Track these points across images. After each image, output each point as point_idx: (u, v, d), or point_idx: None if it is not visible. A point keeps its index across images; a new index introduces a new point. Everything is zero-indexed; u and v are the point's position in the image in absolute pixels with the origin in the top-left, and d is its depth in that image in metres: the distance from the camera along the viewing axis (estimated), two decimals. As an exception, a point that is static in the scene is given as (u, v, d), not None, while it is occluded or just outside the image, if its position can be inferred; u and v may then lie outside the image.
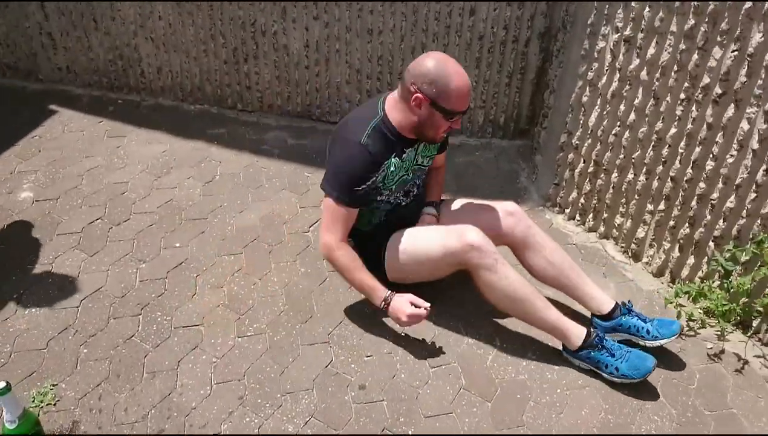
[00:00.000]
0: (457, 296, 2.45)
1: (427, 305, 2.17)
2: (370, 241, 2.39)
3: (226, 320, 2.35)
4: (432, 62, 2.06)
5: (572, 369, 2.23)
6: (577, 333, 2.18)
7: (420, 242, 2.27)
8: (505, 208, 2.41)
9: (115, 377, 2.12)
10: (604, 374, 2.18)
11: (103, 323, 2.32)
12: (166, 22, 3.60)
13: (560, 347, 2.27)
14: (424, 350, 2.28)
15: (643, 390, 2.15)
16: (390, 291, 2.20)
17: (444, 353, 2.27)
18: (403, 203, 2.39)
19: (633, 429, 2.04)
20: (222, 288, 2.49)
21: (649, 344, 2.24)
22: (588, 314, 2.38)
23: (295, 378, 2.14)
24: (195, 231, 2.79)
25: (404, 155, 2.24)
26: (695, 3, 2.21)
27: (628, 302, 2.32)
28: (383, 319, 2.37)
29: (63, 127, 3.55)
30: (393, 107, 2.19)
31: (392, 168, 2.22)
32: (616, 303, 2.31)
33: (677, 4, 2.27)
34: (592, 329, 2.20)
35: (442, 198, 2.57)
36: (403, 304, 2.17)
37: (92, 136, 3.49)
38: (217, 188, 3.09)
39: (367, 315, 2.39)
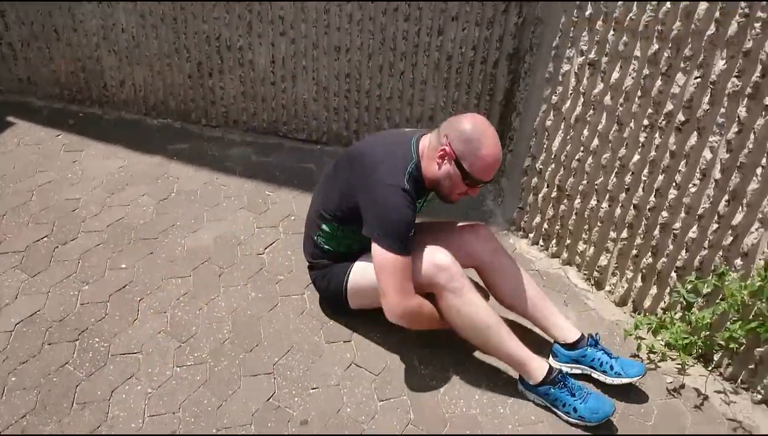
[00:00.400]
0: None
1: None
2: (342, 262, 2.30)
3: (166, 348, 2.24)
4: (472, 123, 2.01)
5: (526, 404, 2.14)
6: (539, 367, 2.10)
7: None
8: (475, 229, 2.35)
9: (42, 408, 2.00)
10: (559, 413, 2.09)
11: (37, 349, 2.20)
12: (129, 34, 3.51)
13: (516, 378, 2.18)
14: (374, 382, 2.18)
15: (598, 426, 2.05)
16: None
17: (394, 385, 2.17)
18: None
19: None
20: (165, 313, 2.38)
21: (609, 380, 2.16)
22: (551, 340, 2.30)
23: (233, 412, 2.03)
24: (143, 252, 2.68)
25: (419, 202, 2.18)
26: (659, 27, 2.16)
27: (596, 334, 2.24)
28: (333, 348, 2.28)
29: (18, 140, 3.45)
30: (423, 153, 2.11)
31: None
32: (582, 334, 2.23)
33: (641, 28, 2.21)
34: (554, 366, 2.12)
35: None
36: None
37: (48, 150, 3.38)
38: (171, 206, 2.99)
39: (317, 344, 2.29)
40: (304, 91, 3.45)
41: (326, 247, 2.28)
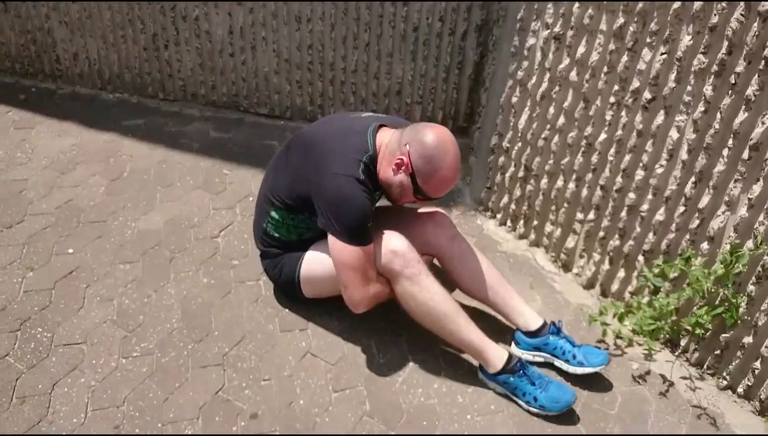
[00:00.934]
0: (371, 310, 2.27)
1: None
2: (293, 251, 2.20)
3: (112, 338, 2.14)
4: (436, 141, 1.92)
5: (486, 392, 2.08)
6: (498, 356, 2.03)
7: None
8: (433, 216, 2.26)
9: (-23, 404, 1.91)
10: (520, 402, 2.03)
11: (-26, 340, 2.10)
12: (80, 5, 3.33)
13: (476, 365, 2.12)
14: (329, 372, 2.10)
15: (560, 416, 2.00)
16: None
17: (350, 375, 2.10)
18: None
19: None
20: (112, 301, 2.28)
21: (572, 370, 2.10)
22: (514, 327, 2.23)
23: (180, 406, 1.95)
24: (92, 235, 2.56)
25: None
26: (624, 1, 2.05)
27: (559, 321, 2.18)
28: (288, 337, 2.19)
29: (-37, 117, 3.29)
30: (381, 151, 2.01)
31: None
32: (545, 321, 2.17)
33: (606, 1, 2.10)
34: (513, 354, 2.06)
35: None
36: None
37: (-4, 127, 3.23)
38: (123, 187, 2.86)
39: (271, 333, 2.20)
40: (264, 63, 3.31)
41: (276, 234, 2.17)
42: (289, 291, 2.26)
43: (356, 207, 1.92)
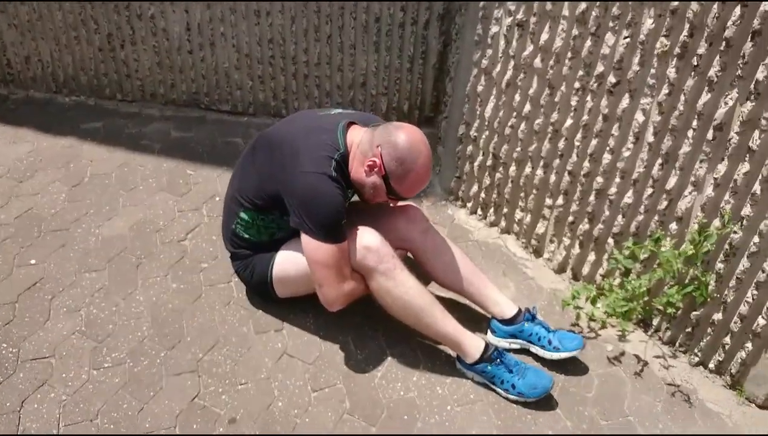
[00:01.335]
0: (347, 307, 2.24)
1: None
2: (263, 251, 2.17)
3: (81, 350, 2.08)
4: (408, 142, 1.91)
5: (465, 382, 2.08)
6: (475, 345, 2.04)
7: None
8: (405, 210, 2.25)
9: (-59, 427, 1.84)
10: (498, 390, 2.04)
11: (-65, 361, 2.02)
12: (29, 6, 3.22)
13: (454, 356, 2.12)
14: (307, 372, 2.08)
15: (538, 402, 2.01)
16: None
17: (329, 373, 2.08)
18: None
19: (527, 448, 1.91)
20: (79, 312, 2.21)
21: (548, 355, 2.12)
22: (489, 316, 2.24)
23: (156, 415, 1.90)
24: (55, 244, 2.48)
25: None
26: (586, -16, 2.05)
27: (533, 308, 2.19)
28: (263, 338, 2.16)
29: None
30: (353, 151, 1.98)
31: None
32: (519, 308, 2.18)
33: (568, -14, 2.10)
34: (490, 343, 2.06)
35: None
36: None
37: (-55, 136, 3.11)
38: (84, 193, 2.77)
39: (245, 335, 2.17)
40: (224, 59, 3.24)
41: (246, 235, 2.13)
42: (262, 292, 2.22)
43: (329, 204, 1.90)
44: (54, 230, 2.56)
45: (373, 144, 1.93)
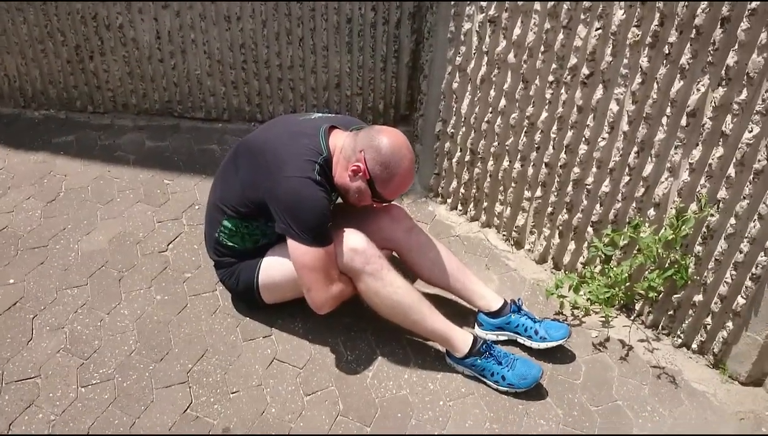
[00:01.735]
0: (337, 308, 2.23)
1: None
2: (248, 258, 2.16)
3: (67, 368, 2.05)
4: (391, 146, 1.92)
5: (456, 376, 2.10)
6: (464, 340, 2.06)
7: None
8: (388, 210, 2.25)
9: (-72, 455, 1.81)
10: (489, 383, 2.06)
11: None
12: (-9, 19, 3.16)
13: (443, 352, 2.14)
14: (298, 376, 2.07)
15: (528, 392, 2.04)
16: None
17: (320, 376, 2.08)
18: None
19: (520, 438, 1.93)
20: (63, 329, 2.18)
21: (535, 345, 2.15)
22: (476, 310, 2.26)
23: (148, 429, 1.88)
24: (33, 262, 2.44)
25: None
26: (555, -22, 2.08)
27: (519, 299, 2.22)
28: (252, 345, 2.15)
29: None
30: (336, 155, 1.99)
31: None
32: (505, 300, 2.20)
33: (538, -20, 2.13)
34: (478, 336, 2.08)
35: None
36: None
37: None
38: (60, 208, 2.73)
39: (234, 343, 2.16)
40: (196, 66, 3.21)
41: (230, 243, 2.12)
42: (248, 299, 2.21)
43: (314, 208, 1.90)
44: (31, 248, 2.52)
45: (356, 149, 1.94)
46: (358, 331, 2.23)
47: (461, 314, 2.27)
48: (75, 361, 2.08)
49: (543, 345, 2.14)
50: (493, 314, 2.19)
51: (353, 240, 1.99)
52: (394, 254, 2.30)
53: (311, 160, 1.93)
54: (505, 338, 2.20)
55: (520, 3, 2.21)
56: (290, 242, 1.93)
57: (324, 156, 1.96)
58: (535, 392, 2.04)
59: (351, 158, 1.95)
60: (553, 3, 2.11)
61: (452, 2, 2.42)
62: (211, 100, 3.32)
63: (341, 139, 2.00)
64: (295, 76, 3.20)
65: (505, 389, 2.04)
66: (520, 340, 2.18)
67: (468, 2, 2.37)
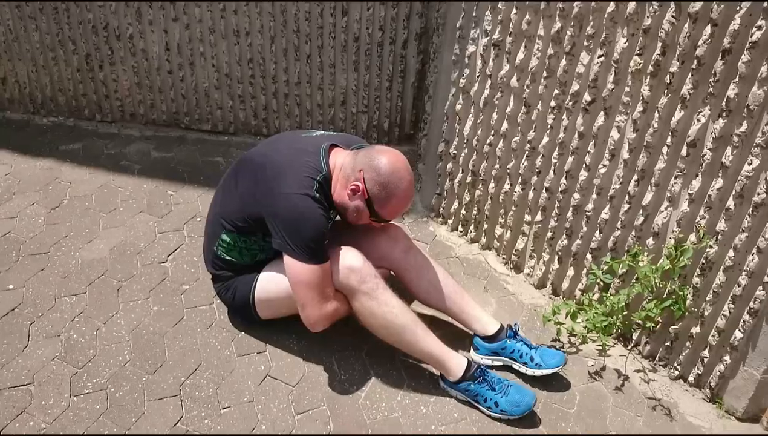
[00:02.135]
0: (331, 327, 2.22)
1: None
2: (245, 273, 2.17)
3: (61, 377, 2.05)
4: (390, 167, 1.94)
5: (449, 401, 2.08)
6: (458, 363, 2.04)
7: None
8: (386, 229, 2.25)
9: None
10: (482, 408, 2.04)
11: None
12: (5, 27, 3.20)
13: (437, 375, 2.12)
14: (290, 394, 2.07)
15: (521, 419, 2.02)
16: None
17: (312, 395, 2.07)
18: None
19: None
20: (59, 337, 2.19)
21: (530, 372, 2.13)
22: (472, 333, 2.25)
23: (138, 442, 1.89)
24: (34, 269, 2.46)
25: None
26: (560, 5, 2.08)
27: (515, 324, 2.20)
28: (246, 361, 2.15)
29: None
30: (335, 174, 2.00)
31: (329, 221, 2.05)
32: (502, 325, 2.19)
33: (543, 5, 2.13)
34: (472, 361, 2.07)
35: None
36: None
37: None
38: (63, 215, 2.75)
39: (228, 358, 2.16)
40: (204, 78, 3.24)
41: (227, 257, 2.13)
42: (244, 314, 2.22)
43: (312, 226, 1.91)
44: (32, 254, 2.53)
45: (355, 168, 1.95)
46: (353, 350, 2.22)
47: (457, 336, 2.26)
48: (69, 369, 2.08)
49: (538, 373, 2.12)
50: (489, 339, 2.18)
51: (349, 258, 1.99)
52: (392, 273, 2.29)
53: (310, 177, 1.93)
54: (501, 363, 2.19)
55: (524, 28, 2.22)
56: (287, 259, 1.94)
57: (323, 174, 1.96)
58: (528, 419, 2.02)
59: (350, 177, 1.96)
60: (556, 28, 2.12)
61: (457, 24, 2.44)
62: (218, 113, 3.35)
63: (341, 157, 2.01)
64: (301, 92, 3.22)
65: (498, 415, 2.02)
66: (515, 366, 2.16)
67: (473, 25, 2.38)
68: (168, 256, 2.57)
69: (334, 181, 2.00)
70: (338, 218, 2.14)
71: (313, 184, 1.93)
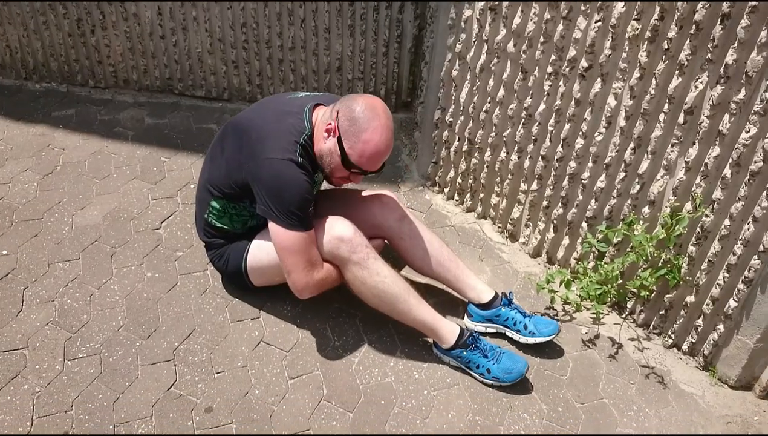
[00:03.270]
0: (323, 294, 2.22)
1: None
2: (237, 240, 2.16)
3: (55, 341, 2.06)
4: (364, 105, 1.86)
5: (441, 367, 2.10)
6: (450, 331, 2.05)
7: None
8: (380, 198, 2.23)
9: None
10: (474, 375, 2.05)
11: None
12: (-5, -11, 3.15)
13: (431, 341, 2.13)
14: (284, 359, 2.08)
15: (514, 385, 2.03)
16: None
17: (306, 360, 2.08)
18: None
19: (502, 430, 1.92)
20: (53, 302, 2.19)
21: (523, 339, 2.14)
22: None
23: (131, 405, 1.89)
24: (27, 234, 2.45)
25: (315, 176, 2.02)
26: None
27: (510, 293, 2.21)
28: (240, 326, 2.16)
29: None
30: (317, 127, 1.95)
31: (314, 186, 2.01)
32: (496, 293, 2.19)
33: (541, -31, 2.09)
34: (465, 328, 2.08)
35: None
36: None
37: None
38: (56, 181, 2.74)
39: (222, 324, 2.16)
40: (197, 43, 3.20)
41: (218, 224, 2.12)
42: (237, 281, 2.21)
43: (295, 191, 1.89)
44: (26, 220, 2.52)
45: (333, 112, 1.91)
46: (346, 317, 2.23)
47: (452, 303, 2.27)
48: (63, 334, 2.09)
49: (531, 340, 2.13)
50: (483, 306, 2.18)
51: (339, 228, 1.98)
52: (386, 242, 2.28)
53: (294, 140, 1.91)
54: (494, 330, 2.19)
55: (522, -8, 2.18)
56: (270, 225, 1.92)
57: (307, 133, 1.93)
58: (520, 385, 2.04)
59: (327, 121, 1.92)
60: (555, -7, 2.08)
61: (455, -12, 2.39)
62: (212, 79, 3.31)
63: (324, 110, 1.97)
64: (296, 58, 3.18)
65: (490, 382, 2.03)
66: (509, 333, 2.17)
67: (470, -11, 2.34)
68: (161, 222, 2.56)
69: (316, 137, 1.96)
70: (326, 186, 2.12)
71: (296, 148, 1.90)
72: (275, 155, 1.88)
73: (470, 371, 2.06)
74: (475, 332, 2.09)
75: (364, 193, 2.27)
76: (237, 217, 2.10)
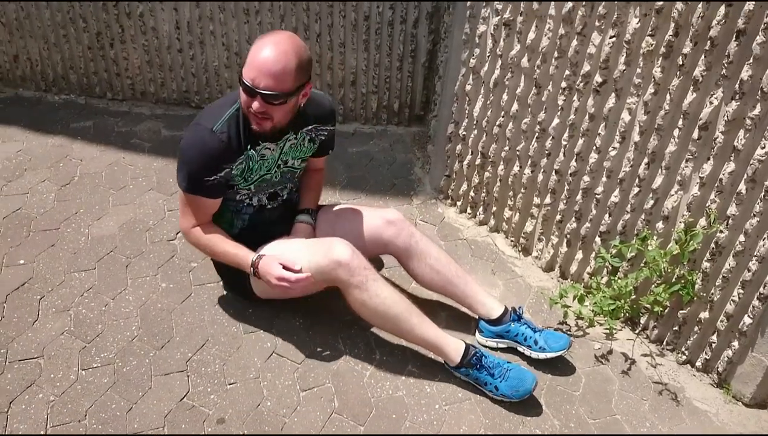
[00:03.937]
0: (334, 306, 2.24)
1: (299, 268, 1.97)
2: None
3: (70, 350, 2.08)
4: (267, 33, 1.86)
5: (453, 381, 2.09)
6: (455, 349, 2.04)
7: (286, 258, 2.05)
8: (385, 216, 2.22)
9: (-71, 429, 1.84)
10: (484, 390, 2.05)
11: None
12: (16, 4, 3.20)
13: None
14: (296, 371, 2.08)
15: (525, 400, 2.02)
16: (258, 254, 2.02)
17: (318, 372, 2.08)
18: (269, 206, 2.17)
19: (514, 446, 1.92)
20: (68, 311, 2.21)
21: (534, 355, 2.13)
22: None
23: (144, 415, 1.91)
24: (44, 244, 2.48)
25: (264, 151, 2.01)
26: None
27: (519, 308, 2.20)
28: (253, 338, 2.17)
29: None
30: None
31: (250, 163, 2.00)
32: (506, 308, 2.18)
33: (555, -15, 2.10)
34: (470, 345, 2.06)
35: (322, 203, 2.35)
36: (272, 265, 1.96)
37: (-66, 135, 3.10)
38: (74, 192, 2.77)
39: (234, 335, 2.17)
40: (214, 57, 3.24)
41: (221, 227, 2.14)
42: (242, 293, 2.23)
43: (192, 153, 1.94)
44: (43, 230, 2.56)
45: None
46: (358, 329, 2.23)
47: (463, 318, 2.27)
48: (78, 344, 2.11)
49: (542, 356, 2.12)
50: (493, 322, 2.17)
51: (338, 251, 1.98)
52: (391, 259, 2.28)
53: (224, 110, 1.94)
54: (506, 345, 2.19)
55: (535, 7, 2.19)
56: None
57: (237, 104, 1.94)
58: (532, 401, 2.02)
59: None
60: (568, 8, 2.09)
61: (468, 3, 2.41)
62: (228, 92, 3.34)
63: None
64: (312, 72, 3.20)
65: (500, 398, 2.02)
66: (520, 349, 2.16)
67: (483, 4, 2.35)
68: (177, 233, 2.58)
69: None
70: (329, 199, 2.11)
71: (221, 116, 1.92)
72: (199, 121, 1.95)
73: (480, 387, 2.05)
74: (481, 349, 2.08)
75: (370, 211, 2.26)
76: (220, 217, 2.11)
